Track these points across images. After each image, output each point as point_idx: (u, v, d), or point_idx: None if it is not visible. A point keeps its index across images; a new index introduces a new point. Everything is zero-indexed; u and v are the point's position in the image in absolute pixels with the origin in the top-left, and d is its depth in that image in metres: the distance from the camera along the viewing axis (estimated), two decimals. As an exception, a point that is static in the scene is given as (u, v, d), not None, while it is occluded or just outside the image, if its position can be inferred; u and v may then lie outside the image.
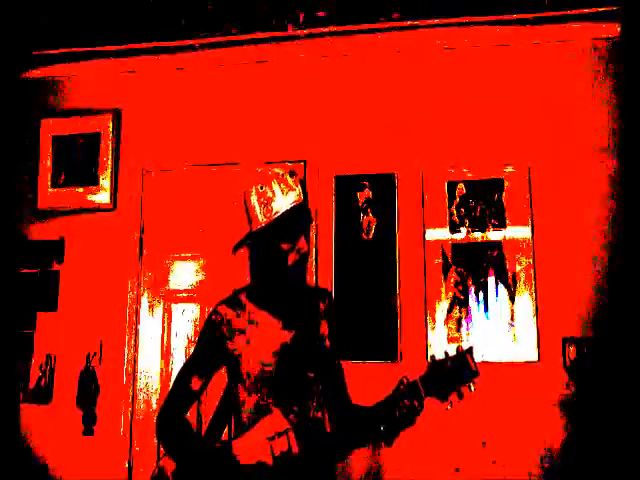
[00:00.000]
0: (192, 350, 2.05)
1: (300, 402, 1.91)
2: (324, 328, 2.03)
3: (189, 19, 3.47)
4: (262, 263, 1.96)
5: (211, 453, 1.86)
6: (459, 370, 1.79)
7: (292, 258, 1.89)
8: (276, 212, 1.86)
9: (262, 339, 1.93)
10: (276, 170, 1.92)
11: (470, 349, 1.82)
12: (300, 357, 1.94)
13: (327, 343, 2.02)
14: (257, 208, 1.88)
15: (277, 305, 1.98)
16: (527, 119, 3.31)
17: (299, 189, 1.90)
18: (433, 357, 1.84)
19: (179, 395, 1.97)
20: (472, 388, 1.79)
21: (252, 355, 1.92)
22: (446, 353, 1.83)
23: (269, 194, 1.86)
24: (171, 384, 2.02)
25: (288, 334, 1.95)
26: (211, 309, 2.01)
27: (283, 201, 1.86)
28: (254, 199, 1.89)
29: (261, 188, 1.88)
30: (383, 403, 1.83)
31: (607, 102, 3.25)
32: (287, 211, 1.86)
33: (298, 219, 1.89)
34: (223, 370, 2.00)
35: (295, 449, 1.79)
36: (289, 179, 1.89)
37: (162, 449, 2.00)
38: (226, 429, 2.06)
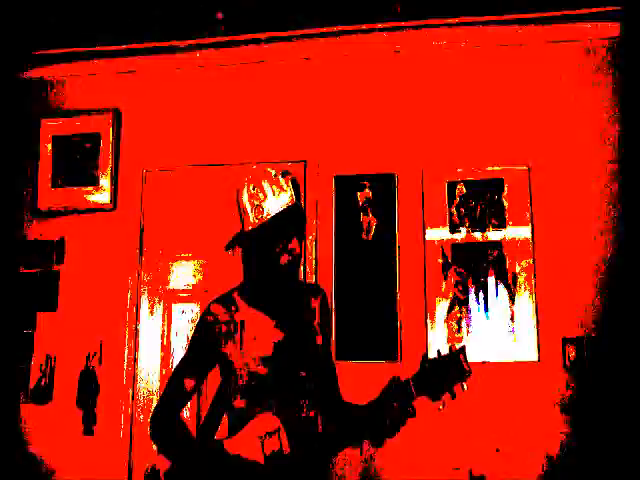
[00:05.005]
0: (186, 349, 2.05)
1: (293, 401, 1.91)
2: (317, 325, 2.03)
3: (189, 19, 3.47)
4: (254, 263, 1.95)
5: (204, 452, 1.86)
6: (452, 370, 1.79)
7: (284, 259, 1.89)
8: (267, 214, 1.85)
9: (255, 338, 1.93)
10: (268, 170, 1.91)
11: (463, 348, 1.82)
12: (293, 356, 1.93)
13: (319, 340, 2.02)
14: (249, 209, 1.88)
15: (270, 304, 1.97)
16: (527, 119, 3.31)
17: (291, 191, 1.89)
18: (425, 356, 1.83)
19: (172, 395, 1.97)
20: (465, 387, 1.79)
21: (245, 354, 1.91)
22: (439, 352, 1.83)
23: (260, 195, 1.86)
24: (165, 384, 2.02)
25: (281, 333, 1.95)
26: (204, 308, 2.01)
27: (275, 203, 1.85)
28: (245, 199, 1.89)
29: (253, 189, 1.87)
30: (373, 403, 1.82)
31: (607, 102, 3.25)
32: (278, 213, 1.85)
33: (290, 221, 1.88)
34: (217, 369, 2.00)
35: (286, 448, 1.79)
36: (281, 179, 1.88)
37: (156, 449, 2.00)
38: (219, 427, 2.06)
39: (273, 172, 1.90)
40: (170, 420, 1.94)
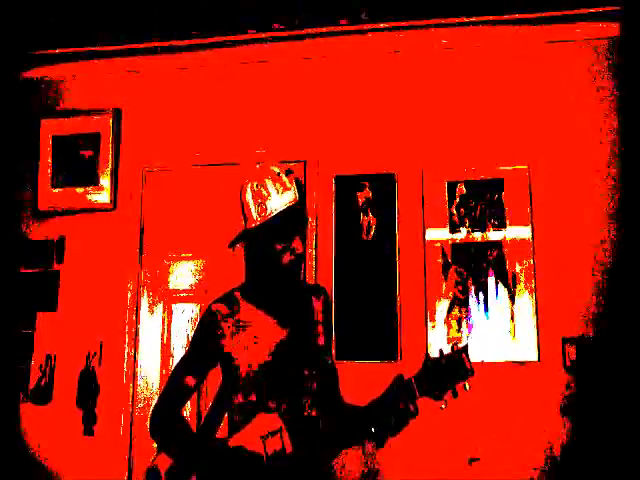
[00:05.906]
0: (187, 347, 2.04)
1: (294, 400, 1.91)
2: (319, 325, 2.03)
3: (189, 19, 3.47)
4: (257, 261, 1.96)
5: (206, 451, 1.85)
6: (454, 369, 1.78)
7: (287, 258, 1.89)
8: (270, 212, 1.85)
9: (257, 337, 1.93)
10: (272, 168, 1.91)
11: (465, 347, 1.81)
12: (295, 355, 1.93)
13: (321, 340, 2.02)
14: (252, 206, 1.88)
15: (272, 303, 1.97)
16: (527, 119, 3.31)
17: (294, 189, 1.89)
18: (428, 355, 1.83)
19: (173, 391, 1.97)
20: (467, 387, 1.78)
21: (247, 353, 1.91)
22: (441, 351, 1.82)
23: (264, 193, 1.85)
24: (166, 382, 2.02)
25: (283, 332, 1.95)
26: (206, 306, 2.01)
27: (278, 201, 1.85)
28: (249, 197, 1.88)
29: (256, 186, 1.87)
30: (375, 403, 1.82)
31: (607, 102, 3.25)
32: (282, 212, 1.85)
33: (293, 220, 1.88)
34: (218, 367, 2.00)
35: (288, 448, 1.79)
36: (285, 178, 1.88)
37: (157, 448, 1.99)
38: (220, 426, 2.05)
39: (277, 170, 1.90)
40: (170, 416, 1.94)
